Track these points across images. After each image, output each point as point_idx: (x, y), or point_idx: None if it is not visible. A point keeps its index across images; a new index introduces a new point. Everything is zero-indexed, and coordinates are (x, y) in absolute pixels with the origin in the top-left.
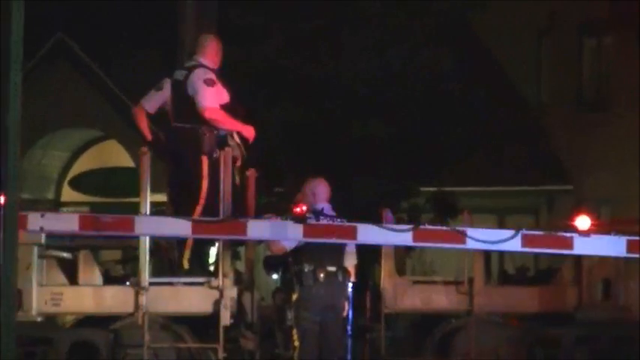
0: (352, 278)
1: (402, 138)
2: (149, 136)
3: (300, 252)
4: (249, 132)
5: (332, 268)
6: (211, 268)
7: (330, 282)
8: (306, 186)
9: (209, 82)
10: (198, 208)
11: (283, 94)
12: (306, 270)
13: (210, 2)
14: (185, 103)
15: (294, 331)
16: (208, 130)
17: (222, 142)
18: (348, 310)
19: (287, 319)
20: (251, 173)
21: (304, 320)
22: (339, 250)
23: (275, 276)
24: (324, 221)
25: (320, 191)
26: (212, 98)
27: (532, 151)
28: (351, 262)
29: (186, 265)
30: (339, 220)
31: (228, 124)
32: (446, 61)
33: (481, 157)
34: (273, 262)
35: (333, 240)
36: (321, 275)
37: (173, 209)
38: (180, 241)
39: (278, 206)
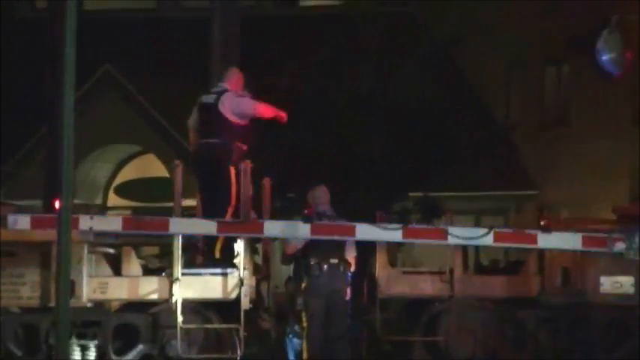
0: (352, 268)
1: (394, 152)
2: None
3: (307, 248)
4: (283, 116)
5: (334, 261)
6: (235, 260)
7: (332, 272)
8: (309, 193)
9: (240, 96)
10: (230, 210)
11: (293, 116)
12: (312, 263)
13: (235, 35)
14: (216, 122)
15: (303, 314)
16: (235, 145)
17: (244, 155)
18: (349, 295)
19: (297, 304)
20: (266, 181)
21: (311, 305)
22: (340, 245)
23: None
24: (325, 222)
25: (319, 196)
26: (249, 102)
27: (503, 162)
28: (351, 254)
29: (217, 255)
30: (338, 220)
31: (270, 112)
32: (431, 90)
33: (460, 167)
34: (288, 257)
35: (337, 237)
36: (325, 267)
37: (203, 211)
38: (211, 238)
39: (290, 209)
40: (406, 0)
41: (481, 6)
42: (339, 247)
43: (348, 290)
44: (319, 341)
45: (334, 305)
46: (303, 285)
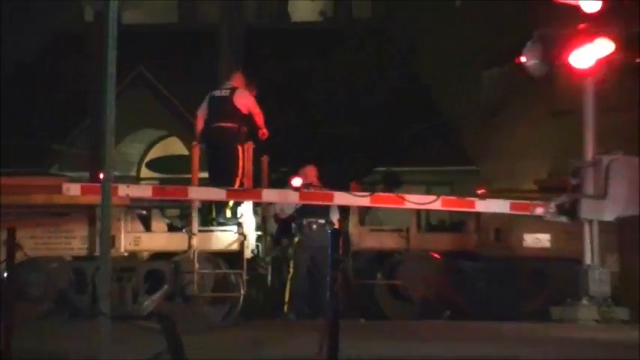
0: (336, 226)
1: (365, 136)
2: (201, 131)
3: (300, 211)
4: (265, 132)
5: (322, 221)
6: (239, 220)
7: (320, 230)
8: (300, 170)
9: (251, 95)
10: (237, 180)
11: (287, 107)
12: (304, 223)
13: (239, 44)
14: (230, 110)
15: (291, 263)
16: (242, 128)
17: (247, 137)
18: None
19: (288, 254)
20: (264, 159)
21: (300, 256)
22: (326, 208)
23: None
24: (309, 190)
25: (307, 173)
26: (256, 104)
27: (450, 144)
28: (335, 216)
29: (228, 214)
30: (321, 189)
31: (262, 121)
32: (394, 87)
33: (416, 148)
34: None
35: (319, 202)
36: (314, 226)
37: (214, 181)
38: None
39: (283, 180)
40: (374, 17)
41: (435, 22)
42: (324, 210)
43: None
44: (303, 286)
45: (321, 257)
46: (296, 240)
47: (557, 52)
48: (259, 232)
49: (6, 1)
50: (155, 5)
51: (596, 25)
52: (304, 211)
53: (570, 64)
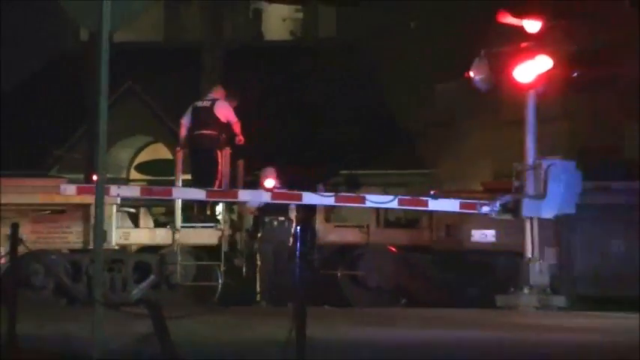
0: (295, 223)
1: (331, 143)
2: (184, 137)
3: (263, 209)
4: (242, 139)
5: (282, 218)
6: (218, 217)
7: (280, 226)
8: (261, 172)
9: (230, 106)
10: (217, 182)
11: (260, 117)
12: (266, 220)
13: (219, 61)
14: (211, 119)
15: (258, 255)
16: (221, 135)
17: (225, 143)
18: (295, 243)
19: (254, 248)
20: (240, 162)
21: (263, 249)
22: (286, 207)
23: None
24: (281, 190)
25: (268, 174)
26: (234, 114)
27: (405, 149)
28: (293, 213)
29: (208, 212)
30: (285, 190)
31: (239, 129)
32: (358, 99)
33: (375, 152)
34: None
35: (289, 202)
36: (275, 223)
37: (197, 183)
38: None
39: (257, 182)
40: (339, 37)
41: (393, 41)
42: (284, 208)
43: (291, 239)
44: (269, 275)
45: (282, 250)
46: (259, 235)
47: (501, 67)
48: (235, 228)
49: (12, 22)
50: (143, 25)
51: (537, 43)
52: (266, 209)
53: (513, 78)
